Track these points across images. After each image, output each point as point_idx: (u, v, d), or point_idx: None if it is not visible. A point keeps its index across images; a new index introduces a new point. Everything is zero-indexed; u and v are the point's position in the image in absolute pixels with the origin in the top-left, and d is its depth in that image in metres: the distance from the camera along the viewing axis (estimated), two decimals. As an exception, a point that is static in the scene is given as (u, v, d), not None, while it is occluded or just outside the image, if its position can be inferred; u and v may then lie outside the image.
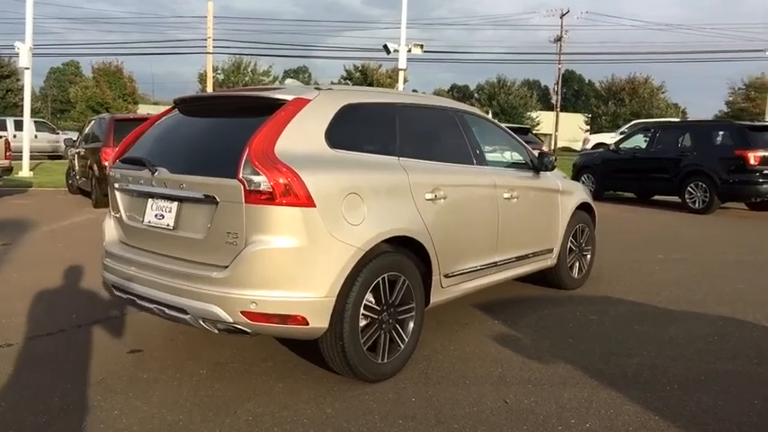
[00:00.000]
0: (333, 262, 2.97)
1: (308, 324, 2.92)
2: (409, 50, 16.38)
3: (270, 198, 2.81)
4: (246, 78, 45.08)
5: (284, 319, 2.88)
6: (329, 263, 2.96)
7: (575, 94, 76.76)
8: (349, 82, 47.34)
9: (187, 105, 3.72)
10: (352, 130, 3.37)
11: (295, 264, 2.88)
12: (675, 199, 12.02)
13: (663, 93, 53.38)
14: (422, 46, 16.60)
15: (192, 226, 3.08)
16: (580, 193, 5.47)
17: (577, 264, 5.46)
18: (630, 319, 4.63)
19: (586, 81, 69.08)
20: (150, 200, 3.31)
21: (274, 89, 3.36)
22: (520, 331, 4.27)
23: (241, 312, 2.84)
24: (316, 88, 3.39)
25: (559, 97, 47.10)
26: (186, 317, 2.99)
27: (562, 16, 44.81)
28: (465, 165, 4.09)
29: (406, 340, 3.44)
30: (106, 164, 10.08)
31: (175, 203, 3.16)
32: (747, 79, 54.09)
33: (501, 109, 49.78)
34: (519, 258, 4.57)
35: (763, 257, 7.23)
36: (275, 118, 3.02)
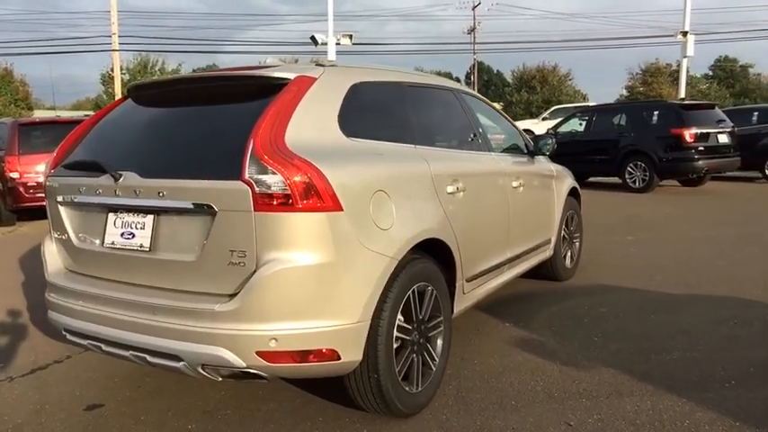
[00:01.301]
0: (365, 278, 2.38)
1: (339, 358, 2.32)
2: (338, 42, 15.73)
3: (286, 202, 2.18)
4: (155, 78, 42.50)
5: (310, 355, 2.27)
6: (361, 279, 2.37)
7: (485, 85, 78.71)
8: (264, 79, 45.71)
9: (148, 93, 2.97)
10: (365, 115, 2.78)
11: (322, 284, 2.26)
12: (613, 180, 12.18)
13: (570, 80, 55.81)
14: (351, 36, 16.00)
15: (176, 245, 2.39)
16: (569, 177, 5.14)
17: (569, 253, 5.14)
18: (641, 308, 4.33)
19: (495, 71, 70.92)
20: (112, 215, 2.57)
21: (265, 67, 2.70)
22: (538, 333, 3.85)
23: (257, 354, 2.20)
24: (317, 64, 2.76)
25: (476, 87, 47.90)
26: (179, 365, 2.30)
27: (474, 8, 45.55)
28: (474, 152, 3.60)
29: (437, 361, 2.91)
30: (12, 175, 8.82)
31: (150, 217, 2.45)
32: (644, 65, 57.49)
33: (419, 101, 49.84)
34: (526, 252, 4.16)
35: (723, 232, 7.27)
36: (279, 101, 2.38)
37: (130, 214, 2.50)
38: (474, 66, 46.96)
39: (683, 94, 18.33)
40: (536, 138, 4.50)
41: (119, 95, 23.94)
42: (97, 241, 2.62)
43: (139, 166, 2.44)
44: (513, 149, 4.27)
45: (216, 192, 2.23)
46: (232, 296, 2.25)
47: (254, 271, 2.21)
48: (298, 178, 2.19)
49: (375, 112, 2.90)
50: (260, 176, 2.18)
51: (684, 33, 17.25)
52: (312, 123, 2.43)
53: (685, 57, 17.92)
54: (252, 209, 2.17)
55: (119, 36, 23.55)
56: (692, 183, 12.10)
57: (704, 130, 10.84)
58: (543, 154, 4.49)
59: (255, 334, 2.19)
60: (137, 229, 2.47)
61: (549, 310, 4.35)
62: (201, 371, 2.29)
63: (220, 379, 2.35)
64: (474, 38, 45.75)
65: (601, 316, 4.18)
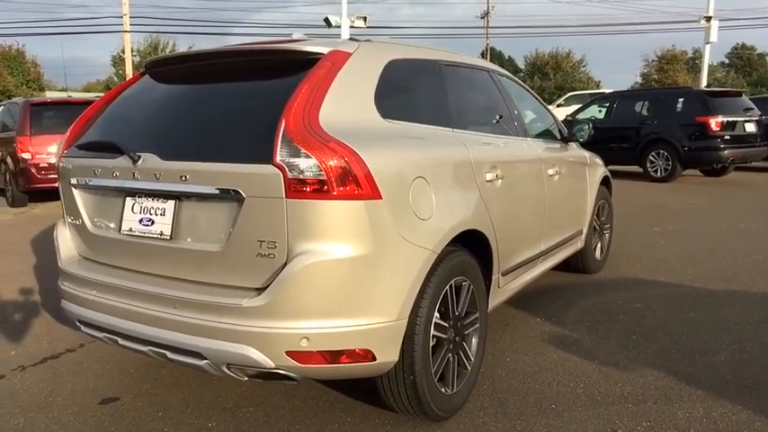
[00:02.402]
0: (404, 272, 2.19)
1: (374, 359, 2.13)
2: (352, 24, 15.42)
3: (321, 189, 1.98)
4: (165, 60, 42.29)
5: (343, 356, 2.08)
6: (400, 273, 2.18)
7: (497, 71, 77.86)
8: (275, 62, 45.33)
9: (167, 70, 2.76)
10: (402, 94, 2.58)
11: (358, 279, 2.07)
12: (633, 168, 11.88)
13: (584, 66, 55.07)
14: (365, 18, 15.67)
15: (200, 233, 2.20)
16: (601, 165, 4.91)
17: (599, 244, 4.93)
18: (678, 304, 4.12)
19: (506, 57, 70.06)
20: (130, 199, 2.38)
21: (295, 41, 2.49)
22: (571, 330, 3.66)
23: (287, 353, 2.02)
24: (351, 39, 2.55)
25: (489, 72, 47.24)
26: (201, 363, 2.12)
27: (488, -9, 44.72)
28: (512, 137, 3.38)
29: (473, 361, 2.72)
30: (24, 155, 8.69)
31: (171, 203, 2.26)
32: (660, 52, 56.55)
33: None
34: (559, 244, 3.95)
35: (755, 225, 7.01)
36: (312, 78, 2.17)
37: (150, 199, 2.31)
38: (486, 51, 46.27)
39: (704, 82, 17.89)
40: (571, 123, 4.27)
41: (129, 77, 23.77)
42: (113, 227, 2.44)
43: (160, 147, 2.24)
44: (547, 135, 4.05)
45: (244, 176, 2.03)
46: (260, 290, 2.06)
47: (285, 263, 2.02)
48: (334, 162, 1.99)
49: (411, 91, 2.69)
50: (293, 160, 1.98)
51: (708, 18, 16.78)
52: (347, 103, 2.23)
53: (708, 43, 17.44)
54: (284, 195, 1.98)
55: (129, 17, 23.24)
56: (715, 173, 11.80)
57: (731, 119, 10.51)
58: (578, 140, 4.26)
59: (286, 332, 2.01)
60: (156, 215, 2.28)
61: (580, 304, 4.15)
62: (226, 370, 2.11)
63: (246, 379, 2.17)
64: (487, 22, 45.12)
65: (636, 312, 3.97)
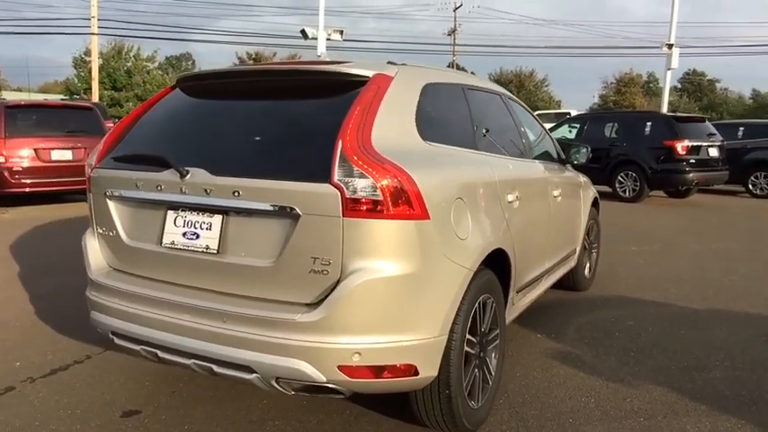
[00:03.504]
0: (447, 290, 2.28)
1: (417, 374, 2.20)
2: (329, 37, 15.50)
3: (376, 208, 2.05)
4: (129, 64, 41.40)
5: (390, 370, 2.15)
6: (443, 291, 2.27)
7: (462, 87, 78.97)
8: (242, 70, 45.00)
9: (204, 85, 2.79)
10: (437, 117, 2.67)
11: (407, 296, 2.14)
12: (603, 188, 12.27)
13: (546, 86, 56.61)
14: (341, 32, 15.78)
15: (248, 249, 2.23)
16: (592, 187, 5.12)
17: (588, 263, 5.12)
18: (667, 322, 4.32)
19: (470, 74, 71.31)
20: (172, 212, 2.40)
21: (337, 62, 2.55)
22: (573, 346, 3.80)
23: (338, 368, 2.07)
24: (390, 62, 2.63)
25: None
26: (250, 377, 2.15)
27: (455, 9, 45.68)
28: (523, 159, 3.52)
29: (493, 375, 2.82)
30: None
31: (218, 217, 2.28)
32: (618, 75, 58.57)
33: (398, 100, 49.77)
34: (559, 262, 4.10)
35: (725, 246, 7.37)
36: (362, 100, 2.25)
37: (194, 213, 2.33)
38: (453, 66, 47.08)
39: (665, 107, 18.66)
40: (568, 146, 4.45)
41: (96, 80, 23.26)
42: (153, 240, 2.44)
43: (209, 162, 2.27)
44: (548, 157, 4.21)
45: (300, 194, 2.08)
46: (310, 306, 2.11)
47: (338, 280, 2.08)
48: (390, 183, 2.07)
49: (444, 114, 2.79)
50: (350, 180, 2.05)
51: (670, 46, 17.56)
52: (393, 125, 2.31)
53: (670, 69, 18.25)
54: (341, 214, 2.04)
55: (88, 19, 22.71)
56: (679, 195, 12.31)
57: (695, 143, 11.02)
58: (573, 163, 4.44)
59: (339, 347, 2.06)
60: (202, 229, 2.31)
61: (576, 321, 4.30)
62: (275, 384, 2.14)
63: (291, 393, 2.21)
64: (454, 39, 45.95)
65: (630, 330, 4.15)
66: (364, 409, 2.86)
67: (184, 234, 2.34)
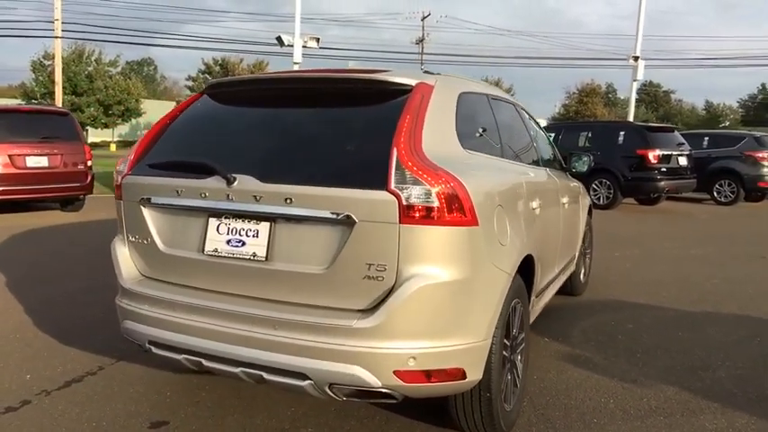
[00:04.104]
0: (492, 294, 2.33)
1: (464, 377, 2.24)
2: (305, 44, 15.49)
3: (433, 215, 2.09)
4: (90, 68, 40.45)
5: (442, 374, 2.18)
6: (488, 296, 2.32)
7: (428, 95, 79.57)
8: (208, 76, 44.56)
9: (237, 92, 2.78)
10: (472, 126, 2.73)
11: (459, 301, 2.19)
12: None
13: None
14: (318, 40, 15.80)
15: (299, 256, 2.23)
16: (587, 195, 5.27)
17: (583, 268, 5.25)
18: (664, 324, 4.48)
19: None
20: (214, 220, 2.38)
21: (376, 71, 2.58)
22: (581, 349, 3.90)
23: (394, 373, 2.09)
24: (426, 72, 2.68)
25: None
26: (303, 383, 2.15)
27: (423, 19, 46.21)
28: (538, 167, 3.62)
29: (521, 377, 2.88)
30: None
31: (265, 224, 2.28)
32: (580, 85, 60.11)
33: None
34: (564, 268, 4.21)
35: (703, 251, 7.65)
36: (410, 108, 2.29)
37: (239, 220, 2.32)
38: (421, 76, 47.44)
39: (632, 117, 19.25)
40: (570, 154, 4.57)
41: (59, 84, 22.59)
42: (193, 247, 2.42)
43: (257, 169, 2.27)
44: (553, 165, 4.32)
45: (356, 201, 2.10)
46: (364, 311, 2.14)
47: (393, 286, 2.10)
48: (445, 190, 2.11)
49: (477, 123, 2.85)
50: (407, 186, 2.08)
51: (636, 58, 18.15)
52: (438, 133, 2.36)
53: (635, 80, 18.86)
54: (397, 220, 2.07)
55: (51, 22, 22.08)
56: (649, 202, 12.71)
57: (666, 152, 11.42)
58: (575, 170, 4.57)
59: (396, 352, 2.09)
60: (248, 236, 2.30)
61: (579, 325, 4.41)
62: (327, 390, 2.15)
63: (342, 399, 2.22)
64: (422, 48, 46.45)
65: (631, 332, 4.28)
66: (393, 414, 2.87)
67: (229, 242, 2.33)
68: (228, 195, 2.29)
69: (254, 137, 2.52)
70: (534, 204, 3.04)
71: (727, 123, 63.47)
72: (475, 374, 2.29)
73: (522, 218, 2.78)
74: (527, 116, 3.98)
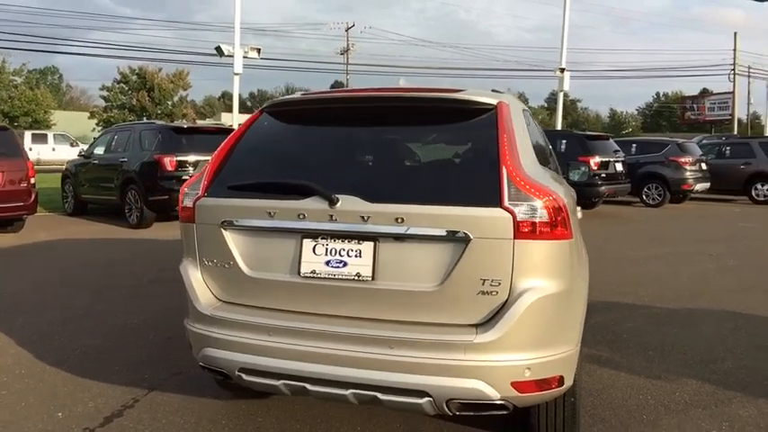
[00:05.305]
0: (581, 303, 2.47)
1: (562, 384, 2.34)
2: (245, 55, 15.18)
3: (543, 230, 2.18)
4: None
5: (547, 383, 2.26)
6: (580, 304, 2.45)
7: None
8: (124, 86, 42.56)
9: (319, 109, 2.74)
10: (534, 141, 2.84)
11: (563, 311, 2.29)
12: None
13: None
14: (259, 50, 15.53)
15: (407, 274, 2.25)
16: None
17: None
18: (657, 322, 4.79)
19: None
20: (309, 241, 2.34)
21: (453, 90, 2.64)
22: (597, 349, 4.11)
23: (512, 384, 2.15)
24: (494, 90, 2.77)
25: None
26: (422, 401, 2.16)
27: (347, 30, 46.48)
28: (560, 176, 3.78)
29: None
30: None
31: (368, 244, 2.28)
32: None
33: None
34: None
35: (660, 251, 8.19)
36: (503, 127, 2.37)
37: (339, 241, 2.30)
38: (347, 84, 47.70)
39: (559, 125, 20.28)
40: (568, 165, 4.80)
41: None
42: (286, 270, 2.37)
43: (359, 189, 2.26)
44: (560, 173, 4.53)
45: (471, 219, 2.15)
46: (477, 326, 2.19)
47: (506, 300, 2.17)
48: (552, 204, 2.21)
49: (535, 138, 2.97)
50: (519, 203, 2.16)
51: (562, 70, 19.18)
52: (525, 150, 2.45)
53: (561, 91, 19.92)
54: (512, 236, 2.14)
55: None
56: (587, 206, 13.42)
57: (605, 159, 12.14)
58: (572, 179, 4.81)
59: (514, 364, 2.15)
60: (350, 256, 2.28)
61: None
62: (444, 406, 2.18)
63: (452, 414, 2.25)
64: (347, 58, 46.67)
65: (633, 331, 4.55)
66: (446, 423, 2.92)
67: (328, 263, 2.31)
68: (332, 216, 2.27)
69: (346, 156, 2.51)
70: (579, 215, 3.20)
71: (630, 130, 68.43)
72: (570, 380, 2.39)
73: (578, 229, 2.92)
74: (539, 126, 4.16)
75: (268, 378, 2.34)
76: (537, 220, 2.17)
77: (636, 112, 76.14)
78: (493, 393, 2.14)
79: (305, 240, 2.35)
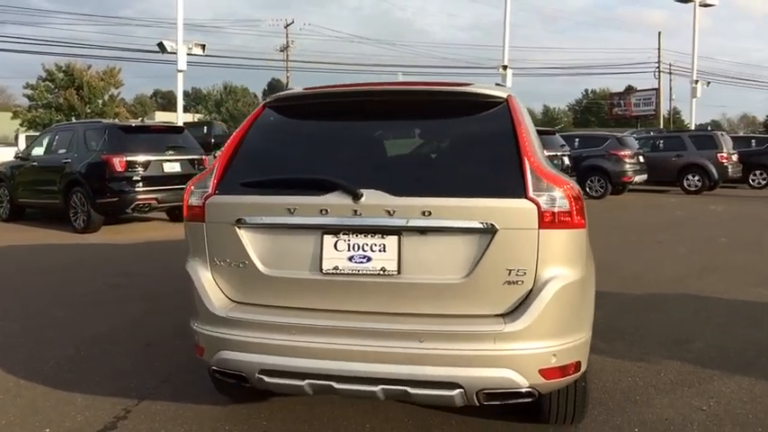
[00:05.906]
0: (593, 288, 2.55)
1: (579, 369, 2.40)
2: (189, 51, 14.70)
3: (565, 219, 2.23)
4: None
5: (568, 368, 2.32)
6: (592, 290, 2.53)
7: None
8: (50, 84, 40.34)
9: (332, 103, 2.68)
10: (535, 134, 2.89)
11: (582, 298, 2.37)
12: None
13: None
14: (204, 47, 15.06)
15: (433, 266, 2.24)
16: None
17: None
18: (633, 307, 5.00)
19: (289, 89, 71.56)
20: (330, 237, 2.30)
21: (463, 84, 2.64)
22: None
23: (539, 371, 2.20)
24: (498, 84, 2.80)
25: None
26: (453, 393, 2.17)
27: (287, 26, 45.89)
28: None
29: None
30: None
31: (392, 238, 2.26)
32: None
33: (230, 116, 48.58)
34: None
35: (633, 239, 8.51)
36: (517, 120, 2.41)
37: (362, 236, 2.27)
38: (287, 82, 47.03)
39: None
40: (550, 159, 4.92)
41: None
42: (306, 267, 2.31)
43: (383, 183, 2.24)
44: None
45: (498, 210, 2.18)
46: (504, 316, 2.21)
47: (531, 289, 2.21)
48: (572, 194, 2.27)
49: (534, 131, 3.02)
50: (543, 193, 2.20)
51: (505, 67, 19.68)
52: (536, 143, 2.50)
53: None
54: (537, 226, 2.18)
55: None
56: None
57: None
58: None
59: (541, 351, 2.19)
60: (373, 251, 2.26)
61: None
62: (474, 396, 2.19)
63: (478, 405, 2.26)
64: (287, 56, 46.06)
65: (605, 317, 4.67)
66: (453, 415, 2.94)
67: (351, 258, 2.27)
68: (356, 211, 2.24)
69: (361, 151, 2.48)
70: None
71: (562, 126, 71.07)
72: (584, 365, 2.46)
73: None
74: None
75: (292, 378, 2.28)
76: (558, 209, 2.22)
77: (567, 109, 78.88)
78: (522, 381, 2.18)
79: (326, 236, 2.31)
